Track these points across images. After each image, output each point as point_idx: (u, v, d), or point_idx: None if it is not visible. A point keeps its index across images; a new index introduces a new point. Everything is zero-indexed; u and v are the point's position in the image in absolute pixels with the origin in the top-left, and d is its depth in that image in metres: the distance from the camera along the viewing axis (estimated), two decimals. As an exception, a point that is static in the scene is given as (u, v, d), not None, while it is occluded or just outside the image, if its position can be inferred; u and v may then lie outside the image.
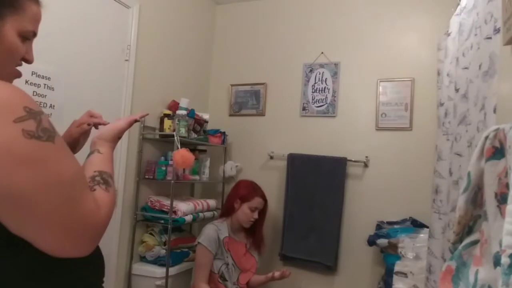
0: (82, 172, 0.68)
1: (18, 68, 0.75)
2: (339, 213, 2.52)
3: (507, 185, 0.60)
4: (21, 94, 0.60)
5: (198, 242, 2.14)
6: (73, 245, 0.62)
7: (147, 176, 2.35)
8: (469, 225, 0.76)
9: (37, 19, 0.74)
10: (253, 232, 2.33)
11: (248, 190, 2.29)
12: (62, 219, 0.60)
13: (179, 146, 2.15)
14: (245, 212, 2.23)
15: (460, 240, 0.77)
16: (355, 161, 2.55)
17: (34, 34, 0.75)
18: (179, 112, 2.37)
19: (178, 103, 2.45)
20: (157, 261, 2.27)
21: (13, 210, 0.57)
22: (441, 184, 1.48)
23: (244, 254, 2.28)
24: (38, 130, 0.59)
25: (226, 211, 2.32)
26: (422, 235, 2.07)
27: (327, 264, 2.51)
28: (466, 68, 1.22)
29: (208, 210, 2.57)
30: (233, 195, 2.31)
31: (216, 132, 2.75)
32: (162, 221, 2.27)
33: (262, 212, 2.32)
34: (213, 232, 2.16)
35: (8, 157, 0.55)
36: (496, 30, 0.95)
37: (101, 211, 0.67)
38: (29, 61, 0.76)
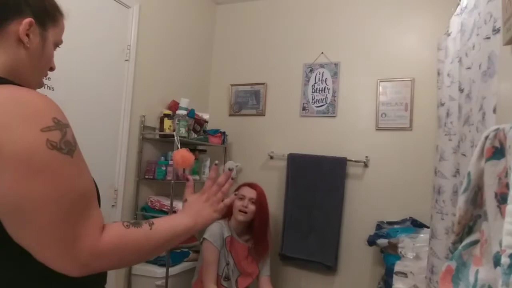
0: (92, 192, 0.66)
1: None
2: (339, 213, 2.52)
3: (507, 185, 0.60)
4: (52, 105, 0.63)
5: (204, 238, 2.12)
6: (64, 263, 0.61)
7: (147, 176, 2.35)
8: (469, 225, 0.76)
9: (63, 31, 0.82)
10: (256, 235, 2.28)
11: (239, 185, 2.36)
12: (59, 234, 0.59)
13: (179, 146, 2.16)
14: (235, 204, 2.23)
15: (460, 240, 0.77)
16: (355, 161, 2.55)
17: (60, 44, 0.82)
18: (179, 112, 2.37)
19: (178, 103, 2.45)
20: (157, 261, 2.27)
21: (15, 217, 0.57)
22: (444, 184, 1.48)
23: (246, 258, 2.24)
24: (61, 142, 0.60)
25: (227, 211, 2.32)
26: (422, 235, 2.07)
27: (327, 264, 2.51)
28: (469, 68, 1.22)
29: (208, 210, 2.56)
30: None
31: (216, 132, 2.75)
32: (162, 221, 2.26)
33: (261, 210, 2.26)
34: (218, 228, 2.15)
35: (27, 163, 0.56)
36: (496, 30, 0.95)
37: (102, 238, 0.63)
38: (53, 69, 0.82)
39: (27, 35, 0.70)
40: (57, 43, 0.79)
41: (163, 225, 0.76)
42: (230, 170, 1.02)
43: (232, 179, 0.96)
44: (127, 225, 0.69)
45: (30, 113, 0.59)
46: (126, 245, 0.67)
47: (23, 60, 0.71)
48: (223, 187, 0.92)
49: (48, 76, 0.83)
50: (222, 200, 0.91)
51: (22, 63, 0.71)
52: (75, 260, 0.60)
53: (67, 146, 0.61)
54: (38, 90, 0.76)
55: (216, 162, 1.02)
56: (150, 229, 0.72)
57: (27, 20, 0.70)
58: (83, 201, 0.63)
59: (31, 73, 0.73)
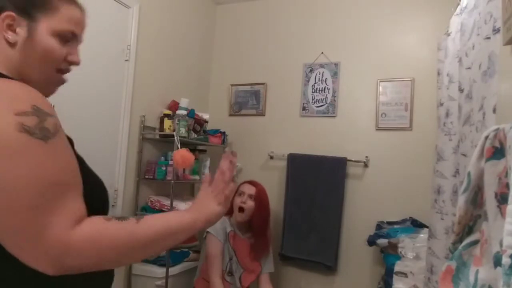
0: (70, 182, 0.61)
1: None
2: (339, 213, 2.52)
3: (507, 185, 0.60)
4: (33, 94, 0.62)
5: (207, 232, 2.11)
6: (35, 256, 0.56)
7: (147, 176, 2.35)
8: (469, 225, 0.76)
9: (75, 20, 0.75)
10: (256, 232, 2.27)
11: (240, 183, 2.35)
12: (24, 224, 0.55)
13: (179, 146, 2.16)
14: (235, 201, 2.23)
15: (460, 240, 0.77)
16: (355, 161, 2.55)
17: (74, 35, 0.75)
18: (179, 112, 2.37)
19: (178, 103, 2.45)
20: (157, 261, 2.27)
21: None
22: (443, 184, 1.48)
23: (248, 254, 2.24)
24: (36, 127, 0.58)
25: (228, 209, 2.33)
26: (422, 235, 2.07)
27: (327, 264, 2.51)
28: (469, 68, 1.22)
29: (208, 210, 2.56)
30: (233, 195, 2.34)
31: (216, 132, 2.75)
32: (162, 221, 2.26)
33: (261, 207, 2.25)
34: (220, 223, 2.14)
35: None
36: (496, 30, 0.95)
37: (76, 230, 0.58)
38: (74, 62, 0.76)
39: (12, 30, 0.68)
40: (62, 33, 0.72)
41: (154, 220, 0.69)
42: (233, 154, 0.88)
43: (231, 161, 0.85)
44: (108, 219, 0.64)
45: (5, 99, 0.58)
46: (104, 239, 0.60)
47: (12, 57, 0.69)
48: (225, 174, 0.82)
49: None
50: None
51: (12, 59, 0.69)
52: (45, 252, 0.56)
53: (42, 132, 0.58)
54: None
55: (226, 148, 0.94)
56: (137, 223, 0.65)
57: (4, 14, 0.67)
58: (54, 189, 0.58)
59: (28, 69, 0.70)
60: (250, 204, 2.21)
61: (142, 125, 2.34)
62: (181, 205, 2.30)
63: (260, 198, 2.26)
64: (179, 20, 2.71)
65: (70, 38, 0.74)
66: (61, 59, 0.73)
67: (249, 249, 2.24)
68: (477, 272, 0.66)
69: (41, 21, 0.70)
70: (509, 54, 0.90)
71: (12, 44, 0.69)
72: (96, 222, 0.62)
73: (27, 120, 0.57)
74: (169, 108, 2.48)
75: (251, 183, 2.32)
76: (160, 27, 2.51)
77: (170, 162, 2.31)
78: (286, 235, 2.62)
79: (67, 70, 0.77)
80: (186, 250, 2.45)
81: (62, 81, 0.77)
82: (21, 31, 0.69)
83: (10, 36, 0.68)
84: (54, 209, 0.57)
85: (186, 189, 2.85)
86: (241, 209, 2.20)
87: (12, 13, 0.68)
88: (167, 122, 2.33)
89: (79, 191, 0.63)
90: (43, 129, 0.59)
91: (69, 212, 0.59)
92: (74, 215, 0.59)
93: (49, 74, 0.73)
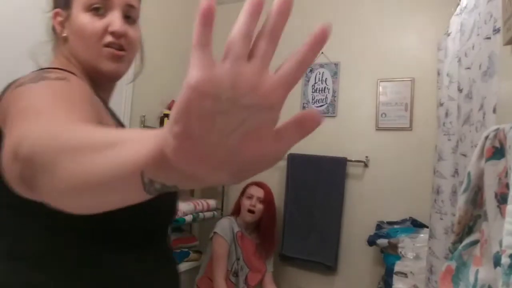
0: (42, 105, 0.49)
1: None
2: (339, 213, 2.52)
3: (507, 185, 0.60)
4: (58, 71, 0.63)
5: (214, 232, 2.16)
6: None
7: (147, 176, 2.34)
8: (469, 225, 0.76)
9: None
10: (264, 233, 2.32)
11: (247, 184, 2.39)
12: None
13: (179, 146, 2.16)
14: (243, 203, 2.29)
15: (460, 240, 0.77)
16: (355, 161, 2.55)
17: (104, 0, 0.71)
18: (179, 112, 2.37)
19: (178, 103, 2.45)
20: (157, 261, 2.27)
21: None
22: (442, 184, 1.48)
23: (254, 254, 2.28)
24: (29, 80, 0.56)
25: (235, 210, 2.39)
26: (422, 235, 2.07)
27: (327, 264, 2.51)
28: (468, 68, 1.22)
29: (208, 210, 2.57)
30: (239, 195, 2.40)
31: (216, 132, 2.75)
32: (162, 221, 2.27)
33: (269, 209, 2.31)
34: (228, 223, 2.20)
35: None
36: (496, 30, 0.95)
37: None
38: (113, 32, 0.71)
39: (63, 26, 0.72)
40: (88, 2, 0.69)
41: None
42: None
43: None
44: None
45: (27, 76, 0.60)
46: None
47: (69, 50, 0.72)
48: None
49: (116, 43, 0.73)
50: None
51: (69, 52, 0.72)
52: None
53: (32, 81, 0.56)
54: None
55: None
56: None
57: (52, 13, 0.73)
58: (23, 113, 0.49)
59: (78, 53, 0.72)
60: (259, 207, 2.28)
61: (142, 125, 2.34)
62: (181, 205, 2.30)
63: (269, 200, 2.34)
64: (179, 20, 2.71)
65: (100, 4, 0.70)
66: (98, 32, 0.70)
67: (254, 249, 2.28)
68: (477, 272, 0.66)
69: (74, 5, 0.71)
70: (509, 54, 0.90)
71: (65, 39, 0.72)
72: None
73: (24, 80, 0.57)
74: (169, 108, 2.48)
75: (258, 184, 2.37)
76: (160, 27, 2.51)
77: (170, 162, 2.31)
78: (286, 235, 2.62)
79: (116, 44, 0.72)
80: (186, 250, 2.45)
81: (116, 55, 0.72)
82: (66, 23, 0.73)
83: (63, 32, 0.72)
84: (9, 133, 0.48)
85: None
86: (250, 211, 2.24)
87: (58, 10, 0.72)
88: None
89: (66, 107, 0.50)
90: (35, 78, 0.56)
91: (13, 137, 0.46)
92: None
93: (95, 51, 0.71)
